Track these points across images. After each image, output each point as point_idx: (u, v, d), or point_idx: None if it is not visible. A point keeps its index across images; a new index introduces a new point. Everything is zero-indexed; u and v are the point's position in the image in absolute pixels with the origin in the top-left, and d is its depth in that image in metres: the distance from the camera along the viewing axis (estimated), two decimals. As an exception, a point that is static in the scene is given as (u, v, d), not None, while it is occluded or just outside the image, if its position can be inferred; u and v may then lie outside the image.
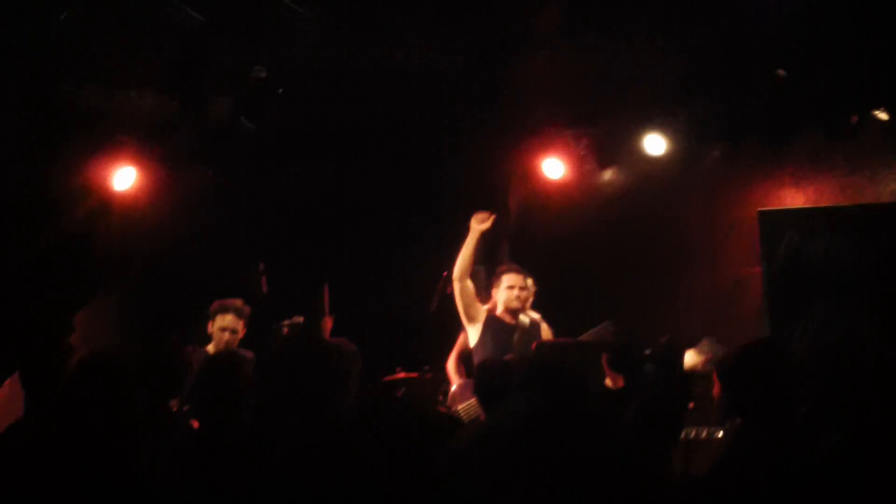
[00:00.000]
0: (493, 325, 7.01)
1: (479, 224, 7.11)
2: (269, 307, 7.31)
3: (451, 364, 7.29)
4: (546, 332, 7.15)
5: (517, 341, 7.00)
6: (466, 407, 6.55)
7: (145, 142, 7.76)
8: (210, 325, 6.88)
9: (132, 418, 4.08)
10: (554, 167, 8.48)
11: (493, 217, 7.16)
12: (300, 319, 7.05)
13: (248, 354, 6.82)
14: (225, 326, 6.81)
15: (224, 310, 6.86)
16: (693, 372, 7.07)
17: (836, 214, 8.35)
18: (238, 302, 6.93)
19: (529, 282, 7.20)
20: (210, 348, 6.83)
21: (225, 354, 5.85)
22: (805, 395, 3.87)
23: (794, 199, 8.45)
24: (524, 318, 7.12)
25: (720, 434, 5.95)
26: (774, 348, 3.96)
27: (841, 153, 8.24)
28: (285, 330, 6.95)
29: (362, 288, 8.41)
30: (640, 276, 8.36)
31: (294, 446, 4.04)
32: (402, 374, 7.45)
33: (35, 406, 4.50)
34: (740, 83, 7.48)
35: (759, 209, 8.46)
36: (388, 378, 7.46)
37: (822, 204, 8.40)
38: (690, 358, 7.12)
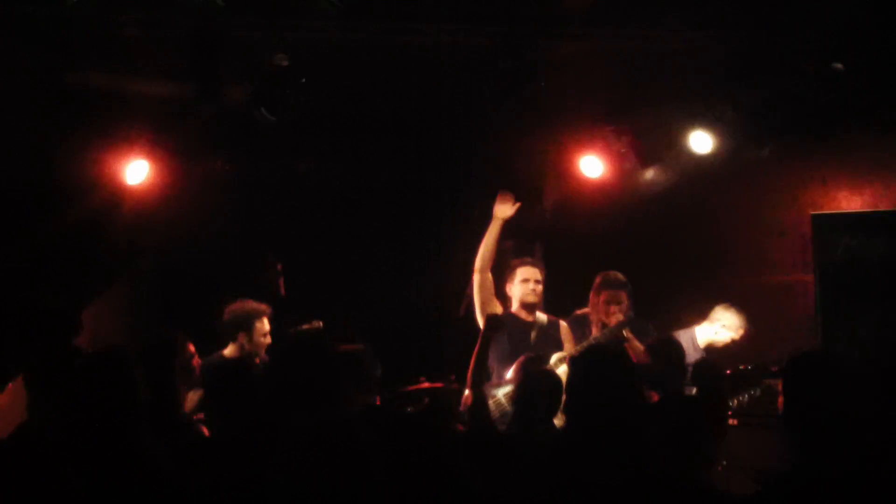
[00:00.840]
0: (508, 322, 6.54)
1: (501, 212, 6.77)
2: (287, 306, 7.02)
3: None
4: (565, 330, 6.84)
5: (534, 340, 6.71)
6: (509, 393, 6.13)
7: (159, 132, 7.50)
8: (242, 335, 6.57)
9: (139, 415, 4.01)
10: (592, 165, 8.10)
11: (518, 204, 6.79)
12: (319, 324, 6.77)
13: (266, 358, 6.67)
14: (267, 332, 6.61)
15: (260, 315, 6.61)
16: (713, 347, 6.81)
17: (894, 219, 7.95)
18: (264, 305, 6.69)
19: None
20: (227, 352, 6.59)
21: (237, 362, 5.73)
22: (862, 409, 3.48)
23: (850, 202, 8.10)
24: (541, 316, 6.80)
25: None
26: (830, 359, 3.61)
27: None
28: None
29: (386, 289, 8.12)
30: (683, 280, 8.03)
31: (303, 451, 3.71)
32: (426, 384, 7.08)
33: (38, 406, 4.34)
34: (793, 76, 7.12)
35: (812, 212, 8.11)
36: (411, 388, 7.10)
37: (881, 208, 8.04)
38: (705, 333, 6.83)
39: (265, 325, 6.59)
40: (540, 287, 6.79)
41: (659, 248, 8.14)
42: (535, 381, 5.03)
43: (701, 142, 7.73)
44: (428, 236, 8.29)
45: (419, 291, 8.02)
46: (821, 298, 8.01)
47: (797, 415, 3.41)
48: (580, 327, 6.79)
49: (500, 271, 6.94)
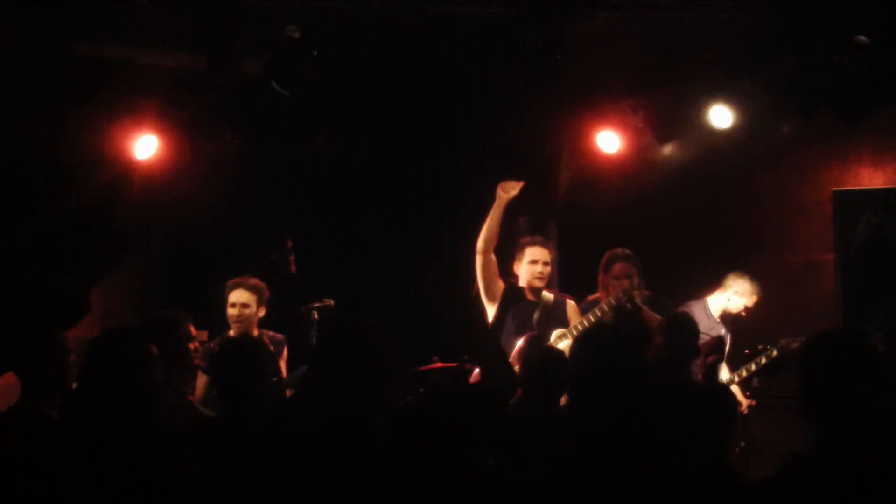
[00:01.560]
0: (513, 298, 6.56)
1: (505, 192, 6.63)
2: (298, 286, 6.92)
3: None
4: (572, 308, 6.68)
5: (538, 319, 6.57)
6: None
7: (169, 106, 7.38)
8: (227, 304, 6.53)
9: (153, 395, 3.91)
10: (609, 140, 7.95)
11: (521, 184, 6.65)
12: (331, 302, 6.67)
13: (279, 336, 6.57)
14: (234, 302, 6.47)
15: (235, 285, 6.51)
16: (726, 315, 6.72)
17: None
18: (252, 279, 6.56)
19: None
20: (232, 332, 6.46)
21: (235, 341, 5.64)
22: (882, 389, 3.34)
23: (873, 179, 7.95)
24: (547, 295, 6.67)
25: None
26: (853, 339, 3.40)
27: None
28: (315, 314, 6.59)
29: (399, 268, 8.00)
30: (701, 258, 7.85)
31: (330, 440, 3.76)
32: (438, 364, 6.97)
33: (33, 389, 4.34)
34: (816, 49, 6.93)
35: (834, 189, 7.94)
36: (423, 367, 6.95)
37: (905, 185, 7.81)
38: (718, 301, 6.74)
39: (235, 295, 6.43)
40: (548, 269, 6.67)
41: (677, 227, 8.01)
42: (535, 364, 4.94)
43: (721, 117, 7.53)
44: (443, 214, 8.14)
45: (433, 270, 7.87)
46: (842, 277, 7.86)
47: (816, 395, 3.26)
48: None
49: (511, 249, 6.82)
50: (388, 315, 6.60)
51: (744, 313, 6.84)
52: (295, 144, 7.79)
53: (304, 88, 6.90)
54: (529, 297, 6.65)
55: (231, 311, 6.44)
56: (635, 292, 6.40)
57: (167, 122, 7.43)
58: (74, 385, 4.28)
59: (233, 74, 6.86)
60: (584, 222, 8.20)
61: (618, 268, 6.53)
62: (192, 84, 7.12)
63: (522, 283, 6.69)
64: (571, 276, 7.98)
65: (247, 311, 6.42)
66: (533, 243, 6.72)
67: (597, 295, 6.71)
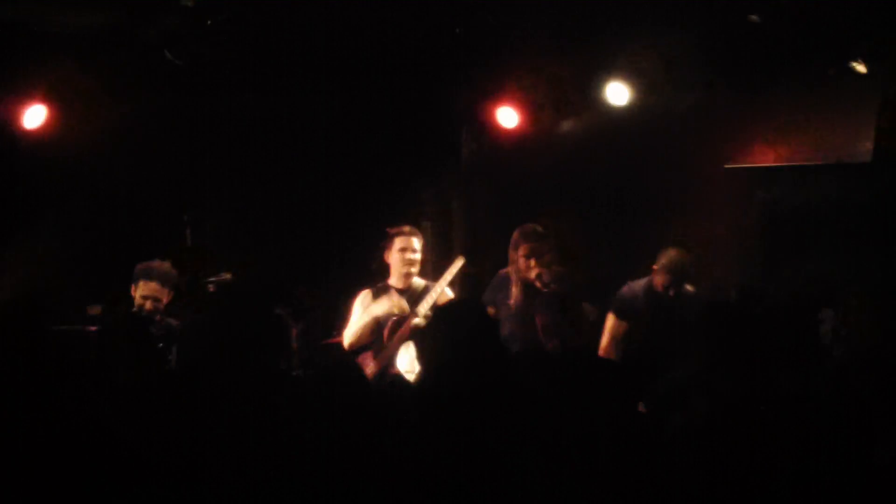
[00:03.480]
0: (385, 294, 6.73)
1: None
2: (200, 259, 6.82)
3: None
4: (440, 293, 6.63)
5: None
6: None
7: (66, 71, 7.14)
8: (133, 288, 6.45)
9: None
10: (509, 115, 7.99)
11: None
12: (228, 276, 6.63)
13: (174, 323, 6.49)
14: (147, 294, 6.41)
15: (148, 276, 6.43)
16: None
17: (809, 173, 7.92)
18: (166, 266, 6.50)
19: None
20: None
21: (130, 318, 5.57)
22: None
23: (766, 156, 8.04)
24: (418, 282, 6.76)
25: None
26: (744, 308, 3.75)
27: (816, 108, 7.80)
28: (211, 287, 6.57)
29: (307, 241, 7.94)
30: (600, 231, 7.94)
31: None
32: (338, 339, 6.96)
33: None
34: (713, 27, 7.02)
35: (726, 166, 8.04)
36: (328, 341, 7.09)
37: (796, 162, 7.98)
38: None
39: (149, 287, 6.40)
40: (417, 255, 6.73)
41: (576, 200, 8.01)
42: None
43: (619, 93, 7.64)
44: (349, 188, 8.07)
45: (341, 245, 7.80)
46: (735, 253, 7.98)
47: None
48: (504, 287, 6.63)
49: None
50: (295, 288, 6.52)
51: (671, 288, 6.64)
52: (200, 110, 7.65)
53: (201, 56, 6.78)
54: (400, 286, 6.73)
55: (144, 304, 6.40)
56: (544, 270, 6.40)
57: (62, 87, 7.23)
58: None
59: (132, 40, 6.72)
60: (489, 197, 8.21)
61: (526, 248, 6.48)
62: (90, 49, 6.95)
63: (394, 272, 6.75)
64: (477, 250, 8.01)
65: (158, 304, 6.41)
66: (400, 233, 6.73)
67: (507, 269, 6.68)
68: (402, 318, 6.56)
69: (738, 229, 7.98)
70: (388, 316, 6.61)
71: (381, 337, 6.62)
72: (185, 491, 3.56)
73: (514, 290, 6.49)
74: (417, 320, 6.48)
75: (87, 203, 7.68)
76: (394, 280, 6.77)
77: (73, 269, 7.52)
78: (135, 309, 6.38)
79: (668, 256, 6.43)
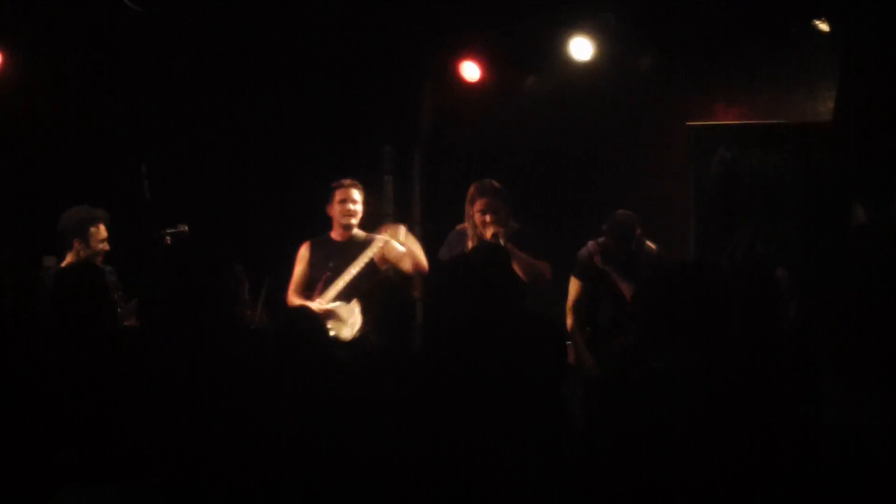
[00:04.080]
0: (324, 247, 6.85)
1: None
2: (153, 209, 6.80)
3: None
4: (385, 243, 6.71)
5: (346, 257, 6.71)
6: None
7: (19, 15, 7.00)
8: (76, 241, 6.40)
9: None
10: (471, 70, 7.91)
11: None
12: (185, 228, 6.61)
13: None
14: (103, 238, 6.46)
15: (95, 220, 6.46)
16: None
17: (770, 132, 7.93)
18: (101, 210, 6.53)
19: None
20: (66, 261, 6.36)
21: (82, 266, 5.51)
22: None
23: (727, 114, 8.04)
24: (359, 233, 6.81)
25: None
26: (702, 270, 3.75)
27: (778, 67, 7.78)
28: (167, 239, 6.56)
29: (257, 197, 7.85)
30: (563, 187, 7.95)
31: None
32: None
33: None
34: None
35: (689, 123, 8.01)
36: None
37: (757, 120, 7.97)
38: None
39: (101, 230, 6.43)
40: (356, 207, 6.77)
41: (543, 158, 8.03)
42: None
43: (582, 49, 7.59)
44: (304, 142, 7.99)
45: (299, 199, 7.75)
46: (696, 210, 8.01)
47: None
48: (460, 242, 6.60)
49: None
50: (244, 244, 6.46)
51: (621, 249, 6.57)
52: (151, 61, 7.51)
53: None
54: (340, 238, 6.79)
55: (102, 248, 6.46)
56: (499, 228, 6.36)
57: (14, 33, 7.10)
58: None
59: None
60: (450, 152, 8.19)
61: (481, 203, 6.43)
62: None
63: (335, 224, 6.80)
64: (436, 205, 7.99)
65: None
66: (340, 186, 6.77)
67: (464, 225, 6.66)
68: (333, 275, 6.63)
69: (698, 186, 8.00)
70: (321, 271, 6.70)
71: (314, 292, 6.70)
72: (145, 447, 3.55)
73: (470, 246, 6.41)
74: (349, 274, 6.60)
75: (41, 153, 7.56)
76: (335, 233, 6.81)
77: (27, 220, 7.42)
78: (95, 256, 6.37)
79: (614, 218, 6.40)
